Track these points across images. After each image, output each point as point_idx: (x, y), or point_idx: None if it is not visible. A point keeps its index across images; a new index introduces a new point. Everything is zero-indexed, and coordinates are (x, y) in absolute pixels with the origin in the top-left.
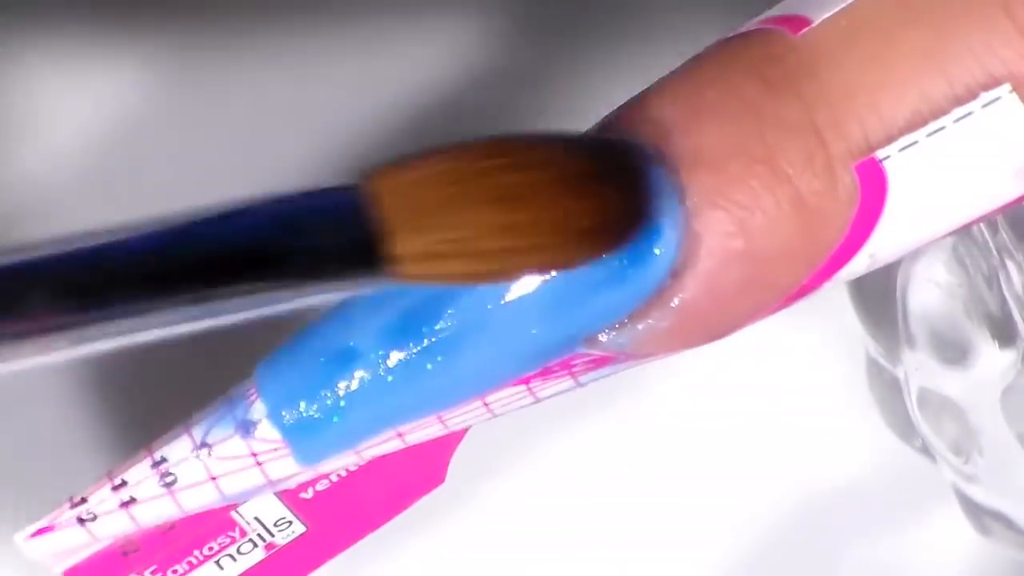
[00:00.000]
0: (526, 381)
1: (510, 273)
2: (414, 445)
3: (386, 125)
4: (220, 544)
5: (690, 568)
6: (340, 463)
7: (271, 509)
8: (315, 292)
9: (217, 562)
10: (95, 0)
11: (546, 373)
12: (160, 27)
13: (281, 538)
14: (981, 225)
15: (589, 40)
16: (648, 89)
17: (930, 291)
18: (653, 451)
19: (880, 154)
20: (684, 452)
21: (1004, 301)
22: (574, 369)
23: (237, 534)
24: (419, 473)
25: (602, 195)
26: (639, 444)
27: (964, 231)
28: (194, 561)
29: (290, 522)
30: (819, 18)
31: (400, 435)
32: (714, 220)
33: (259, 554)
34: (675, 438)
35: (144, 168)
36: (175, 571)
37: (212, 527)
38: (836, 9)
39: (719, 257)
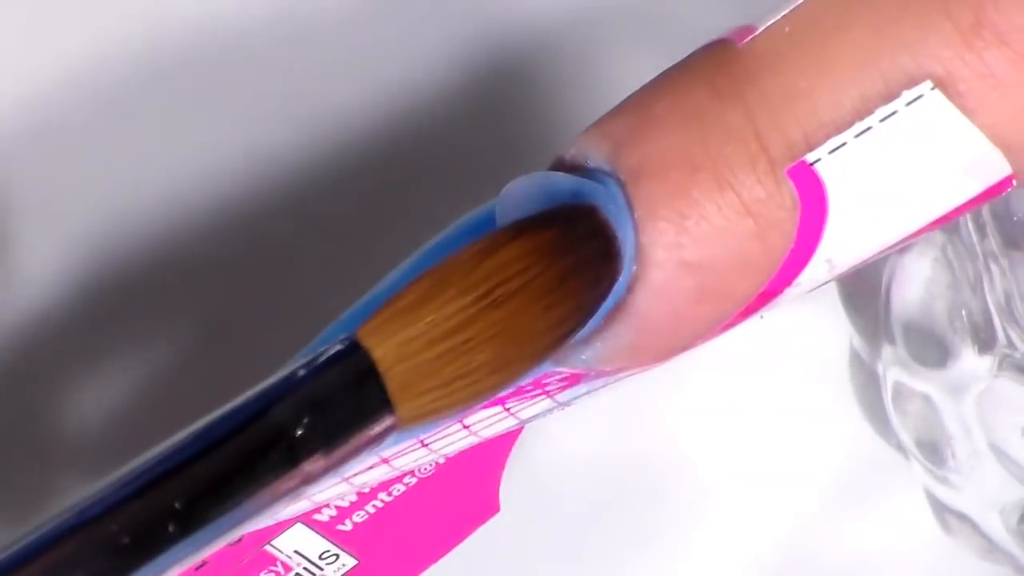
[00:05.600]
0: (501, 401)
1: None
2: (456, 473)
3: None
4: None
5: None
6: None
7: (310, 542)
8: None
9: None
10: None
11: (520, 393)
12: None
13: (331, 571)
14: (970, 227)
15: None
16: (611, 108)
17: (914, 289)
18: (642, 444)
19: (810, 157)
20: (669, 442)
21: (986, 306)
22: (547, 388)
23: (280, 568)
24: (470, 502)
25: (577, 290)
26: (631, 439)
27: (952, 230)
28: None
29: (336, 555)
30: (763, 25)
31: (385, 460)
32: (659, 232)
33: None
34: (661, 428)
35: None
36: None
37: (250, 565)
38: (780, 15)
39: (669, 268)
